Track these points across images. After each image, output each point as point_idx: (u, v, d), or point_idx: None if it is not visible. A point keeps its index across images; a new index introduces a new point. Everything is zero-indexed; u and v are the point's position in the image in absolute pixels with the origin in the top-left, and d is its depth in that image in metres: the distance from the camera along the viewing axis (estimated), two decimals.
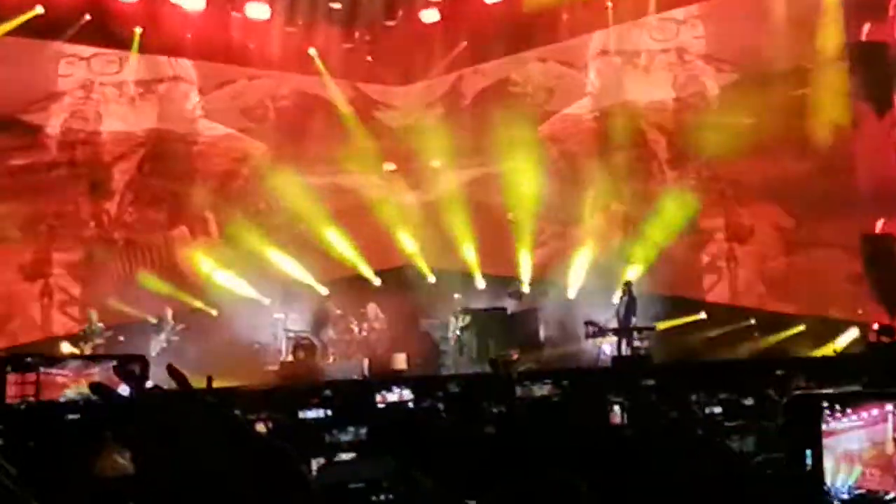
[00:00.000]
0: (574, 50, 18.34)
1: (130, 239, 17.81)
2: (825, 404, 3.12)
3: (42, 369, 4.88)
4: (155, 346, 16.07)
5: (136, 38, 17.56)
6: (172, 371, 1.28)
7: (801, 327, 16.03)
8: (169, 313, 16.60)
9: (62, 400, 4.83)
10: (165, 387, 1.27)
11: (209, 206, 18.06)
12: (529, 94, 18.38)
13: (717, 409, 9.42)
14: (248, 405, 9.42)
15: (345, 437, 7.55)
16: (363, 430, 6.75)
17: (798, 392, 6.25)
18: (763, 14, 16.48)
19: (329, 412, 8.67)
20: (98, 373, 4.96)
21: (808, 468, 3.07)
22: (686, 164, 17.53)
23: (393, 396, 12.18)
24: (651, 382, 11.59)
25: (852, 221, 15.88)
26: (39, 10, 16.55)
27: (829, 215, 15.95)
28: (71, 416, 4.48)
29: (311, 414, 8.77)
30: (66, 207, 17.43)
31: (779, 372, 12.90)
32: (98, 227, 17.68)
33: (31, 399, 4.80)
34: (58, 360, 5.26)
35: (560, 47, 18.26)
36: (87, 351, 15.44)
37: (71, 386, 4.88)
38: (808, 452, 3.10)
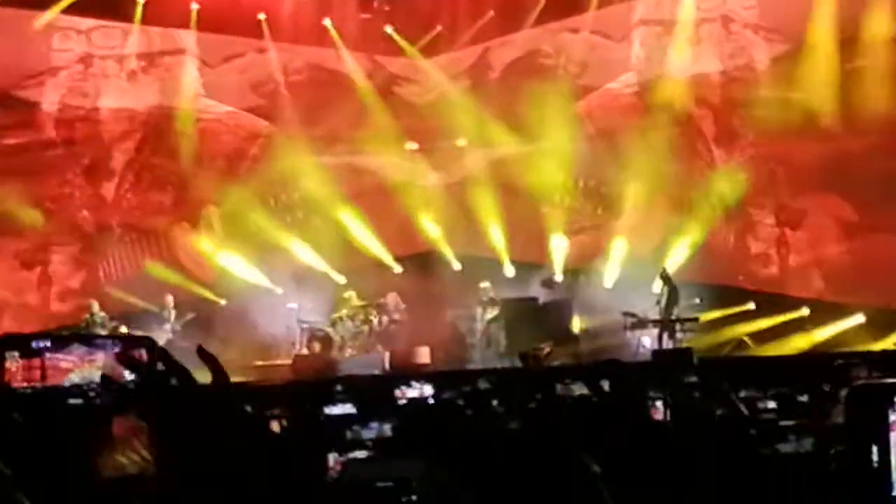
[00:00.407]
0: (609, 19, 18.28)
1: (132, 224, 18.04)
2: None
3: (48, 354, 5.07)
4: (160, 337, 15.88)
5: (139, 9, 17.49)
6: (204, 354, 1.34)
7: (860, 318, 16.02)
8: (171, 301, 16.75)
9: (66, 384, 5.06)
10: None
11: (215, 188, 18.09)
12: (562, 66, 18.37)
13: (771, 405, 9.13)
14: (261, 400, 9.35)
15: (367, 434, 7.56)
16: (387, 427, 6.91)
17: (861, 383, 6.19)
18: None
19: (351, 407, 8.56)
20: (103, 357, 5.09)
21: (875, 465, 2.98)
22: (734, 143, 17.55)
23: (413, 392, 12.12)
24: (693, 379, 11.41)
25: None
26: None
27: (890, 198, 15.83)
28: (73, 401, 4.69)
29: (334, 410, 8.78)
30: (63, 190, 17.66)
31: (838, 362, 13.26)
32: (97, 212, 17.89)
33: (37, 385, 5.02)
34: (63, 341, 5.29)
35: (594, 16, 18.24)
36: None
37: (76, 370, 5.08)
38: (874, 448, 3.01)
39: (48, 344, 5.12)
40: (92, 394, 4.55)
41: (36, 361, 5.00)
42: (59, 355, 5.02)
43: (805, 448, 6.77)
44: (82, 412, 4.31)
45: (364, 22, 18.50)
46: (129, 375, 1.31)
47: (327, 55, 18.59)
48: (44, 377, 4.95)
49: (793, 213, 17.18)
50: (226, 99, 18.52)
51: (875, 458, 3.03)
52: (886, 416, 3.03)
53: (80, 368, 5.00)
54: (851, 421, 3.39)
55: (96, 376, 4.84)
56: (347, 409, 9.03)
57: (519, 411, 6.95)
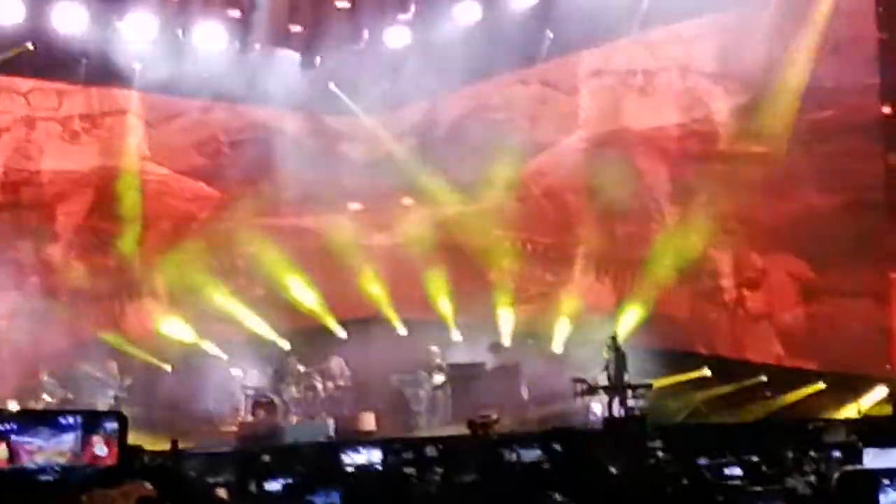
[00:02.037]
0: (561, 70, 18.27)
1: (77, 288, 18.22)
2: (885, 481, 3.41)
3: (13, 437, 5.53)
4: (103, 403, 16.37)
5: (82, 70, 17.74)
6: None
7: (821, 385, 15.80)
8: (114, 367, 16.94)
9: (32, 466, 5.55)
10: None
11: (160, 250, 18.35)
12: (512, 121, 18.39)
13: (737, 471, 9.46)
14: (206, 468, 10.45)
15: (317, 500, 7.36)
16: (335, 496, 6.94)
17: (850, 469, 6.55)
18: (779, 27, 16.15)
19: (293, 481, 8.47)
20: (70, 441, 5.55)
21: None
22: (689, 201, 17.24)
23: (361, 458, 12.32)
24: (658, 444, 11.90)
25: (885, 265, 15.40)
26: None
27: (856, 258, 15.48)
28: (44, 478, 5.29)
29: (276, 485, 8.82)
30: (8, 254, 17.92)
31: (811, 426, 13.46)
32: (43, 276, 18.19)
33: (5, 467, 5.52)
34: (29, 422, 5.81)
35: (544, 68, 18.25)
36: (39, 408, 15.90)
37: (40, 453, 5.54)
38: None
39: (14, 427, 5.59)
40: (59, 472, 5.09)
41: (2, 444, 5.53)
42: (26, 438, 5.51)
43: None
44: (54, 488, 4.89)
45: (308, 80, 18.72)
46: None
47: (270, 114, 18.92)
48: (11, 459, 5.47)
49: (752, 273, 16.88)
50: (170, 159, 18.91)
51: None
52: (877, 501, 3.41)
53: (45, 452, 5.50)
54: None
55: (61, 459, 5.33)
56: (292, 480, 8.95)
57: (466, 479, 7.29)
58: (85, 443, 5.56)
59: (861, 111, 15.48)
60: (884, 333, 15.39)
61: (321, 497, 7.00)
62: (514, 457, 9.48)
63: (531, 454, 9.09)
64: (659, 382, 16.30)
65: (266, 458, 12.67)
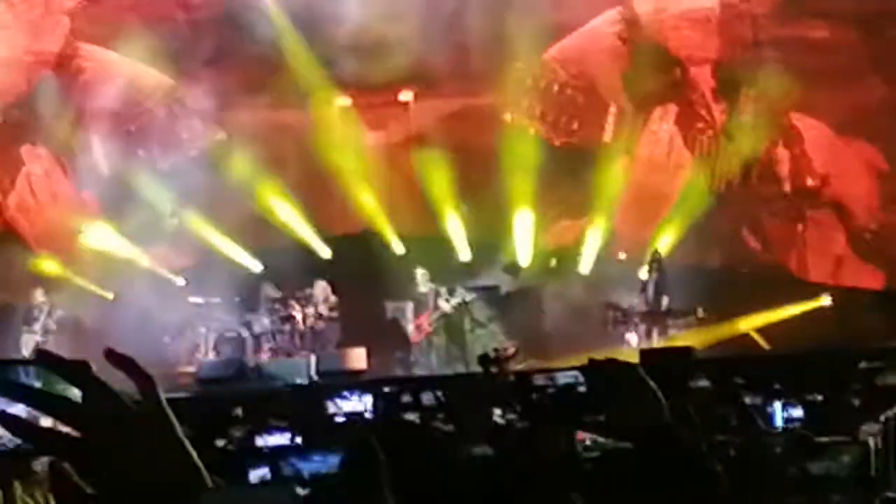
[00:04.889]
0: None
1: None
2: None
3: None
4: (28, 342, 15.65)
5: None
6: (114, 357, 1.37)
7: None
8: (40, 296, 16.04)
9: None
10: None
11: (98, 146, 17.17)
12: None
13: (796, 413, 9.94)
14: None
15: (308, 467, 7.66)
16: (333, 458, 6.47)
17: None
18: None
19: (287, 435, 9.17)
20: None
21: None
22: (738, 94, 16.75)
23: (350, 406, 12.34)
24: (704, 383, 11.47)
25: None
26: None
27: None
28: None
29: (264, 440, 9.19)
30: None
31: (862, 365, 12.94)
32: None
33: None
34: None
35: None
36: None
37: None
38: None
39: None
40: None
41: None
42: None
43: (838, 471, 7.23)
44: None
45: None
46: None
47: None
48: None
49: (811, 177, 16.57)
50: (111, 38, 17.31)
51: None
52: None
53: None
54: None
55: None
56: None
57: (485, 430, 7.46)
58: None
59: None
60: None
61: (317, 461, 7.15)
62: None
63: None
64: (704, 307, 15.51)
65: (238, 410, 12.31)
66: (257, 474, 8.46)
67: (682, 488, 2.98)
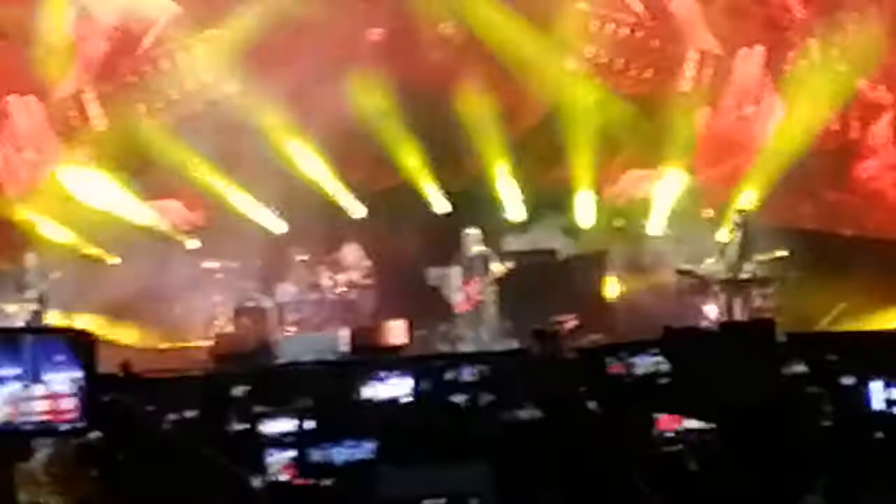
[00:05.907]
0: None
1: None
2: None
3: None
4: (22, 309, 15.21)
5: None
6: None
7: None
8: (33, 259, 15.67)
9: None
10: None
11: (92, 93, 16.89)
12: None
13: None
14: (172, 401, 8.70)
15: (340, 457, 7.26)
16: (369, 445, 6.55)
17: None
18: None
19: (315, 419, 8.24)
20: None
21: None
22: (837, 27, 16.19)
23: (388, 390, 11.43)
24: (801, 368, 10.35)
25: None
26: None
27: None
28: None
29: (278, 426, 8.27)
30: None
31: None
32: None
33: None
34: None
35: None
36: None
37: None
38: None
39: None
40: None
41: None
42: None
43: None
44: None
45: None
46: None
47: None
48: None
49: None
50: None
51: None
52: None
53: None
54: None
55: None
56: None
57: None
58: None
59: None
60: None
61: (348, 447, 6.93)
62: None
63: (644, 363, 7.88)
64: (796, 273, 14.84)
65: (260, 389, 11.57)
66: (279, 458, 8.12)
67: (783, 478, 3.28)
